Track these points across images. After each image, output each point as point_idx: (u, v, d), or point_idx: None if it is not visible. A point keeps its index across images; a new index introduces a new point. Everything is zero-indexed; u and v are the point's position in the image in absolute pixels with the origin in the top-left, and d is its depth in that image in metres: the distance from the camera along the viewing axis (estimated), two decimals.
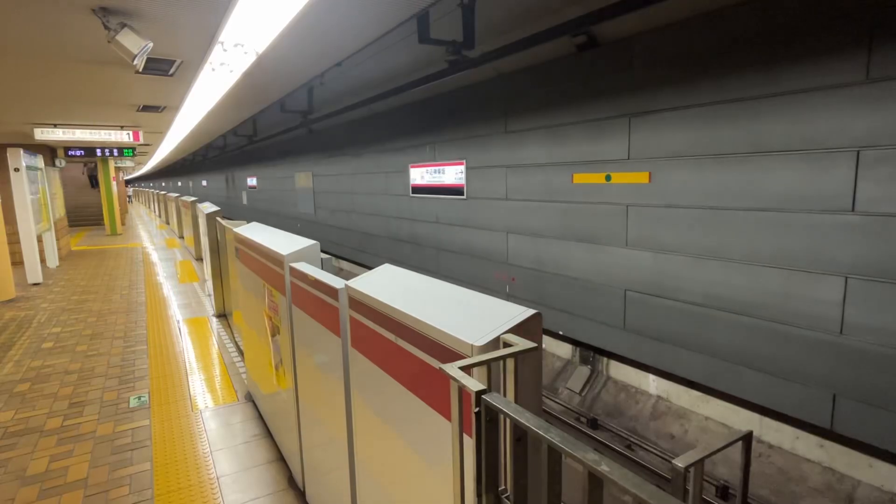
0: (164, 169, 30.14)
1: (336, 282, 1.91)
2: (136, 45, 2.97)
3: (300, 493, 2.70)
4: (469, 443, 0.93)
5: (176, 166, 26.55)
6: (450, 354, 1.18)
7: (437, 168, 6.52)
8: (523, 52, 4.18)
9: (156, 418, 3.57)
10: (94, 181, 19.44)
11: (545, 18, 4.03)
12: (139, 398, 3.90)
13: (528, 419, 0.79)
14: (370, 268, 2.39)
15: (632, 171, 4.06)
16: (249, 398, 3.87)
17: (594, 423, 4.33)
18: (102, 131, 8.22)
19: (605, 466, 0.66)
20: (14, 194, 7.89)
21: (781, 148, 3.15)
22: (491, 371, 1.01)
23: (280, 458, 3.05)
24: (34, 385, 4.19)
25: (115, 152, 10.43)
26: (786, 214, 3.18)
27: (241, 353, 4.79)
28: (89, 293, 7.64)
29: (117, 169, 19.59)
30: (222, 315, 6.12)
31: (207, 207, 6.38)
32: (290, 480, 2.83)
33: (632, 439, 4.05)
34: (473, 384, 0.89)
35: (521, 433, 0.88)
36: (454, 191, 6.22)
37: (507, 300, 1.28)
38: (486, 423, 0.88)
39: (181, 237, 14.17)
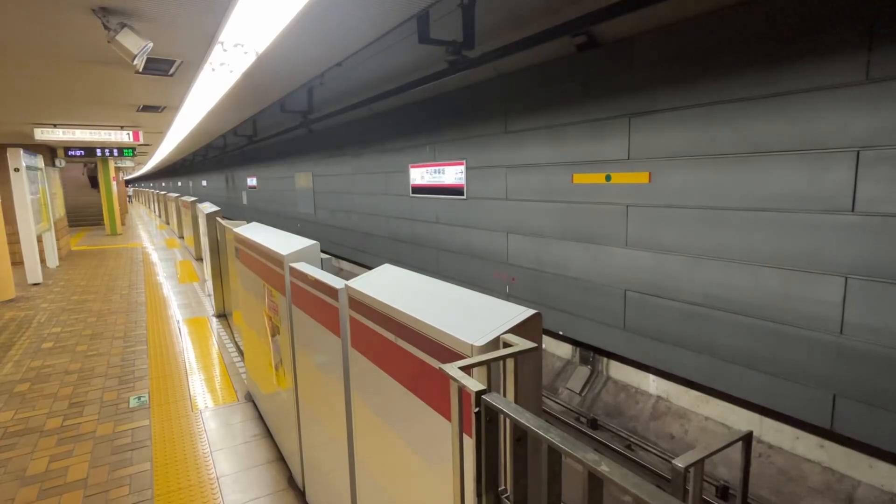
0: (164, 169, 30.14)
1: (336, 282, 1.91)
2: (136, 45, 2.97)
3: (300, 493, 2.70)
4: (469, 443, 0.93)
5: (176, 166, 26.56)
6: (450, 354, 1.18)
7: (437, 168, 6.52)
8: (523, 53, 4.19)
9: (156, 418, 3.57)
10: (93, 181, 19.44)
11: (545, 18, 4.03)
12: (139, 398, 3.90)
13: (528, 419, 0.79)
14: (370, 268, 2.39)
15: (632, 171, 4.06)
16: (249, 398, 3.87)
17: (594, 424, 4.33)
18: (102, 131, 8.21)
19: (605, 466, 0.66)
20: (14, 194, 7.89)
21: (781, 148, 3.15)
22: (491, 371, 1.01)
23: (280, 458, 3.05)
24: (34, 385, 4.19)
25: (115, 152, 10.42)
26: (786, 214, 3.18)
27: (241, 353, 4.79)
28: (89, 293, 7.64)
29: (117, 169, 19.59)
30: (222, 315, 6.12)
31: (207, 207, 6.38)
32: (290, 480, 2.83)
33: (632, 439, 4.05)
34: (473, 384, 0.89)
35: (520, 433, 0.88)
36: (454, 191, 6.22)
37: (507, 300, 1.28)
38: (485, 423, 0.88)
39: (181, 237, 14.16)
